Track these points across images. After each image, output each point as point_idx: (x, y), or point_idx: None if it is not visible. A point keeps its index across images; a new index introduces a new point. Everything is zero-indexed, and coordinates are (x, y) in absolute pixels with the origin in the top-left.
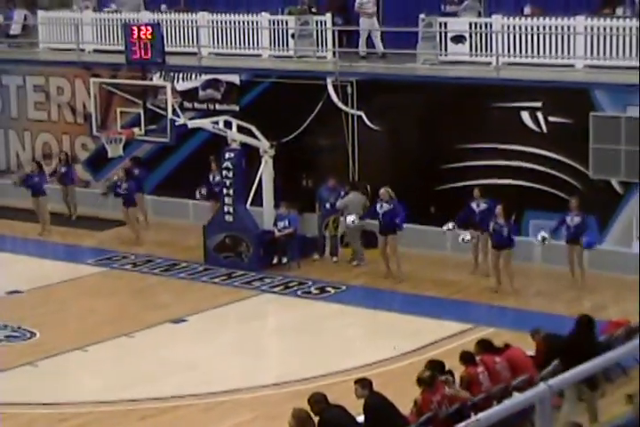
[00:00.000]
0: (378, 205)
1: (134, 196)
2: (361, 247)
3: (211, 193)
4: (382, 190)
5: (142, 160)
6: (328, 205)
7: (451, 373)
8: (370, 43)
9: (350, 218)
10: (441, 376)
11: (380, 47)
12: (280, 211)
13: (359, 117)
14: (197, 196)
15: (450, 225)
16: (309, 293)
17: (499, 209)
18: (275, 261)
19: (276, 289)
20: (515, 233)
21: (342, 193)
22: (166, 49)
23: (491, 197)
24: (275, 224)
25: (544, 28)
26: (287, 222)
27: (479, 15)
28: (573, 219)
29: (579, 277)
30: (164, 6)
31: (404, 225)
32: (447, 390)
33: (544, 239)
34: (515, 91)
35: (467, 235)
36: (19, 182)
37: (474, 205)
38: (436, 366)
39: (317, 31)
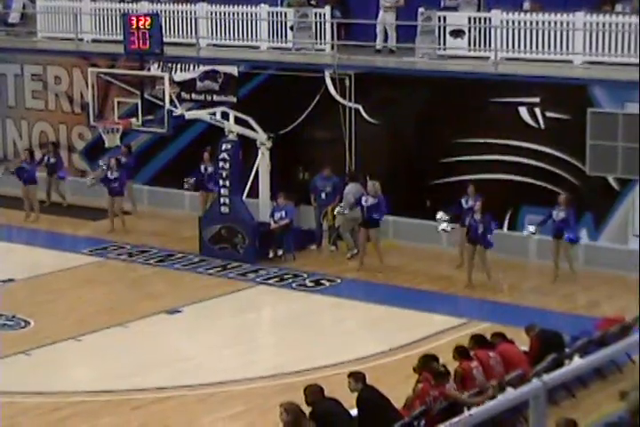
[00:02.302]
0: (364, 198)
1: (124, 185)
2: (351, 239)
3: (200, 183)
4: (370, 184)
5: (132, 149)
6: (324, 195)
7: (444, 367)
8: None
9: (337, 209)
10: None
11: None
12: (276, 203)
13: (357, 111)
14: (185, 186)
15: (443, 217)
16: (304, 285)
17: (477, 205)
18: (270, 253)
19: (270, 281)
20: (490, 231)
21: (337, 181)
22: (165, 39)
23: (487, 191)
24: (271, 216)
25: (543, 23)
26: (283, 214)
27: (478, 9)
28: (559, 214)
29: (565, 272)
30: None
31: (383, 218)
32: (448, 387)
33: (532, 233)
34: (513, 86)
35: (446, 225)
36: (12, 168)
37: (463, 202)
38: (430, 361)
39: (316, 23)
